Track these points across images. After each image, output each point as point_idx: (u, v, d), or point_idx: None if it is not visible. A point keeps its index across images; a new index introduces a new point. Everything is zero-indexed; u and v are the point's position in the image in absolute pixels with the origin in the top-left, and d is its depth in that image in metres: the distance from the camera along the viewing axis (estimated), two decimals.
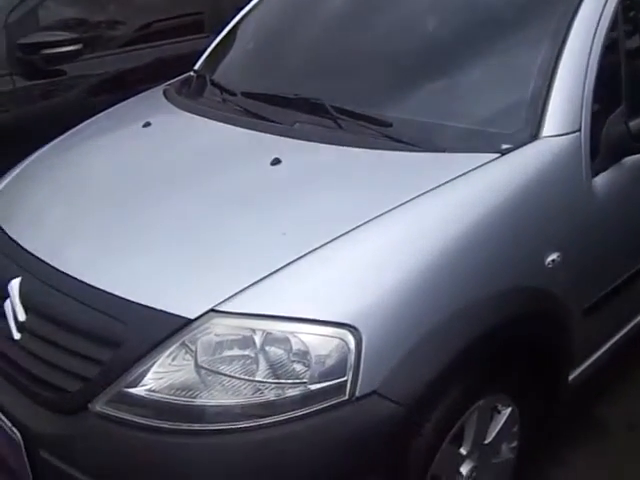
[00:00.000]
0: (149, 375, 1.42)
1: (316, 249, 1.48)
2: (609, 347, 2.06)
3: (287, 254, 1.48)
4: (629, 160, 1.84)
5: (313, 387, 1.38)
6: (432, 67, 1.95)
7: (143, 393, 1.41)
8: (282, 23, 2.46)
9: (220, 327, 1.42)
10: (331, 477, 1.42)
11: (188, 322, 1.42)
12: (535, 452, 1.93)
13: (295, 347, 1.40)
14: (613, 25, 1.85)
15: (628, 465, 2.06)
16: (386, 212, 1.54)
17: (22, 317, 1.61)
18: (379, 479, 1.45)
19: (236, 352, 1.41)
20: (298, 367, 1.39)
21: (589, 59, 1.78)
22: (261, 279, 1.45)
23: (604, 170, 1.80)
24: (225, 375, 1.40)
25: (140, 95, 2.48)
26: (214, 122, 2.02)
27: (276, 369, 1.40)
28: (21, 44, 2.94)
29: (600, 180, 1.79)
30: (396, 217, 1.54)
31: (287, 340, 1.40)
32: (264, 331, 1.40)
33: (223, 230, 1.61)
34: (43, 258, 1.66)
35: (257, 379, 1.39)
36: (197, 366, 1.41)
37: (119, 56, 3.27)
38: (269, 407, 1.38)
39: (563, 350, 1.81)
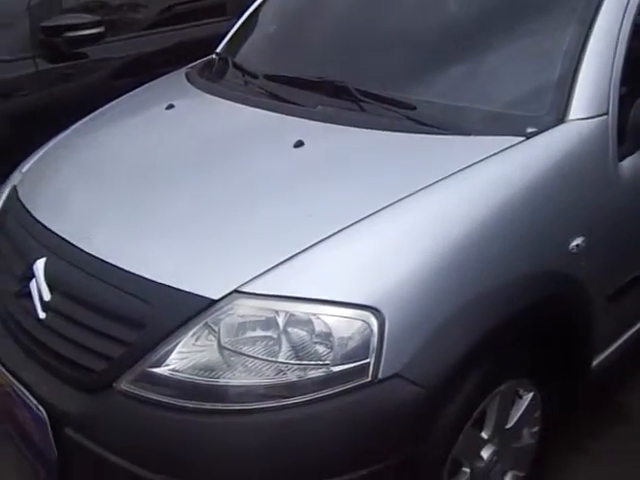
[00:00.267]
0: (173, 355, 1.43)
1: (340, 231, 1.48)
2: (633, 334, 2.04)
3: (311, 236, 1.48)
4: None
5: (335, 369, 1.39)
6: (457, 49, 1.93)
7: (167, 373, 1.42)
8: (304, 5, 2.46)
9: (243, 308, 1.42)
10: (352, 458, 1.42)
11: (212, 303, 1.43)
12: (557, 438, 1.92)
13: (318, 329, 1.40)
14: None
15: None
16: (410, 195, 1.54)
17: (47, 297, 1.62)
18: (400, 461, 1.44)
19: (259, 333, 1.42)
20: (320, 349, 1.40)
21: (617, 41, 1.75)
22: (284, 261, 1.45)
23: (631, 154, 1.78)
24: (248, 356, 1.41)
25: (162, 78, 2.48)
26: (237, 104, 2.02)
27: (298, 350, 1.40)
28: (44, 27, 2.96)
29: (627, 164, 1.77)
30: (420, 200, 1.54)
31: (310, 322, 1.40)
32: (287, 312, 1.41)
33: (247, 211, 1.61)
34: (68, 239, 1.67)
35: (279, 360, 1.40)
36: (220, 347, 1.42)
37: (141, 39, 3.28)
38: (291, 388, 1.39)
39: (586, 336, 1.80)
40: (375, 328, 1.39)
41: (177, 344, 1.43)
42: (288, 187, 1.65)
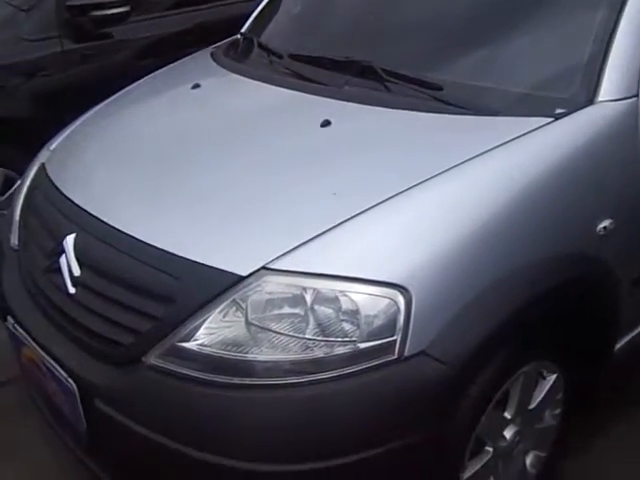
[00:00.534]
0: (201, 330, 1.45)
1: (367, 209, 1.48)
2: None
3: (338, 214, 1.49)
4: None
5: (362, 345, 1.40)
6: (485, 29, 1.91)
7: (195, 347, 1.44)
8: None
9: (271, 285, 1.44)
10: (377, 434, 1.44)
11: (240, 279, 1.44)
12: (579, 421, 1.92)
13: (345, 306, 1.41)
14: None
15: None
16: (437, 174, 1.54)
17: (77, 272, 1.65)
18: (424, 438, 1.46)
19: (286, 310, 1.43)
20: (347, 326, 1.41)
21: None
22: (312, 238, 1.46)
23: None
24: (275, 332, 1.42)
25: (187, 58, 2.49)
26: (262, 84, 2.03)
27: (325, 328, 1.42)
28: (70, 6, 2.98)
29: None
30: (447, 179, 1.54)
31: (337, 299, 1.42)
32: (315, 289, 1.42)
33: (274, 189, 1.63)
34: (97, 215, 1.69)
35: (306, 337, 1.41)
36: (247, 323, 1.43)
37: (165, 19, 3.29)
38: (318, 364, 1.41)
39: (610, 319, 1.79)
40: (402, 306, 1.40)
41: (205, 320, 1.45)
42: (315, 166, 1.66)
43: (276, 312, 1.44)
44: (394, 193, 1.51)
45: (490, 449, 1.66)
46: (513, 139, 1.61)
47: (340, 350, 1.40)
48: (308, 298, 1.42)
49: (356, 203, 1.50)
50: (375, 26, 2.13)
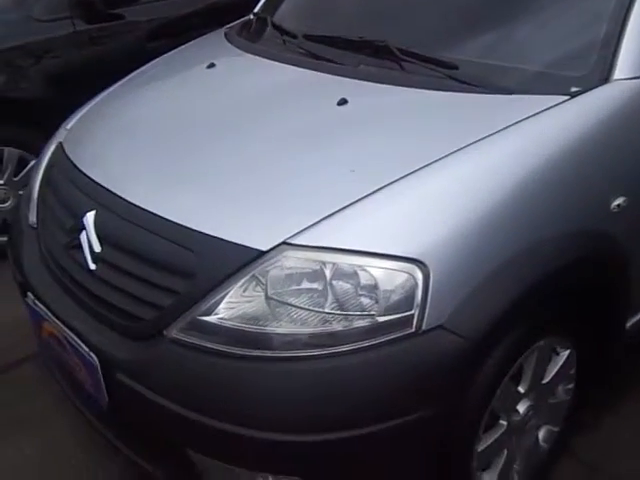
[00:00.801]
0: (222, 305, 1.47)
1: (385, 186, 1.50)
2: None
3: (356, 190, 1.51)
4: None
5: (380, 319, 1.42)
6: (500, 8, 1.92)
7: (216, 321, 1.47)
8: None
9: (291, 260, 1.46)
10: (394, 406, 1.46)
11: (260, 254, 1.46)
12: (590, 399, 1.95)
13: (363, 281, 1.43)
14: None
15: None
16: (454, 151, 1.56)
17: (97, 248, 1.67)
18: (441, 411, 1.48)
19: (305, 285, 1.45)
20: (365, 300, 1.43)
21: None
22: (331, 214, 1.48)
23: None
24: (294, 306, 1.44)
25: (201, 38, 2.50)
26: (278, 63, 2.04)
27: (343, 302, 1.44)
28: None
29: None
30: (464, 156, 1.55)
31: (355, 274, 1.44)
32: (334, 264, 1.44)
33: (292, 165, 1.64)
34: (117, 192, 1.71)
35: (325, 311, 1.43)
36: (267, 298, 1.46)
37: (176, 1, 3.29)
38: (336, 337, 1.43)
39: (622, 296, 1.81)
40: (420, 281, 1.42)
41: (226, 294, 1.47)
42: (333, 143, 1.68)
43: (295, 287, 1.46)
44: (411, 170, 1.53)
45: (504, 423, 1.69)
46: (528, 117, 1.62)
47: (358, 323, 1.43)
48: (327, 273, 1.44)
49: (374, 180, 1.52)
50: (390, 5, 2.14)
